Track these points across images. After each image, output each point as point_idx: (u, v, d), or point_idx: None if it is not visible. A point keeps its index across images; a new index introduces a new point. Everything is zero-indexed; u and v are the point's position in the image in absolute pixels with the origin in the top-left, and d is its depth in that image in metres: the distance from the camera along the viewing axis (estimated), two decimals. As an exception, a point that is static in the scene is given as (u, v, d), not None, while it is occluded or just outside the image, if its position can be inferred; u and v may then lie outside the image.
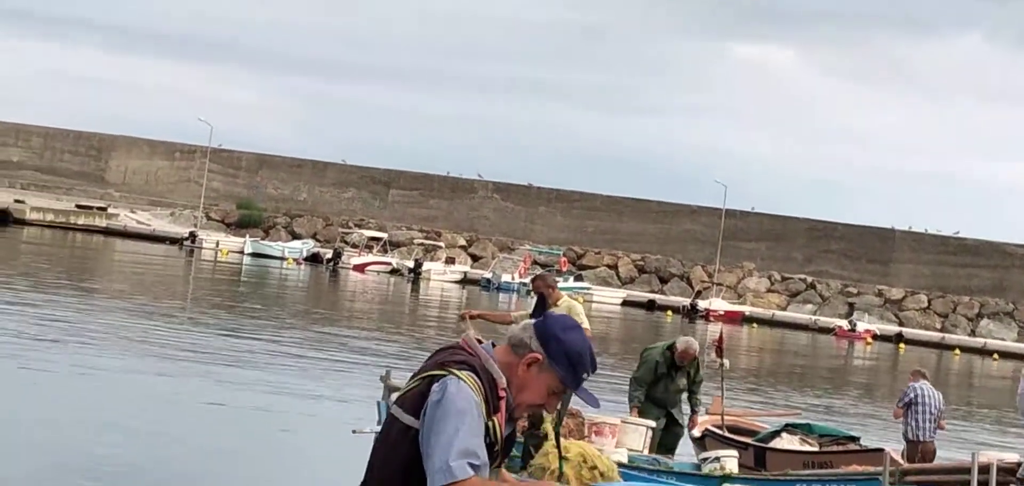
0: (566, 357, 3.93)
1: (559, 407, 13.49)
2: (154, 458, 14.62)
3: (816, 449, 16.17)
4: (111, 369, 21.56)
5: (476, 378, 3.84)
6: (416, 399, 3.85)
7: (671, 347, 15.78)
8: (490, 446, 3.86)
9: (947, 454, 17.80)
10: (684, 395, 15.91)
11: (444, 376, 3.83)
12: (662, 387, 15.60)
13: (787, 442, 16.19)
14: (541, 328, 3.98)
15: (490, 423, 3.84)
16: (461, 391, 3.78)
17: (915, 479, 12.61)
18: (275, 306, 44.38)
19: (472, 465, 3.71)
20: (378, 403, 11.18)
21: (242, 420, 18.22)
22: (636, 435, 14.80)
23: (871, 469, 13.81)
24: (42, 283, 39.80)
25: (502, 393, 3.91)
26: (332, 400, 21.11)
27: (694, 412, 16.08)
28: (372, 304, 53.90)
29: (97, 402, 18.22)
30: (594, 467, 12.53)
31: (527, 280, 17.24)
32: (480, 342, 4.01)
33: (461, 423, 3.73)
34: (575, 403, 13.88)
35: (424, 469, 3.75)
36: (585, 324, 14.25)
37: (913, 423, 16.80)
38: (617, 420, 15.60)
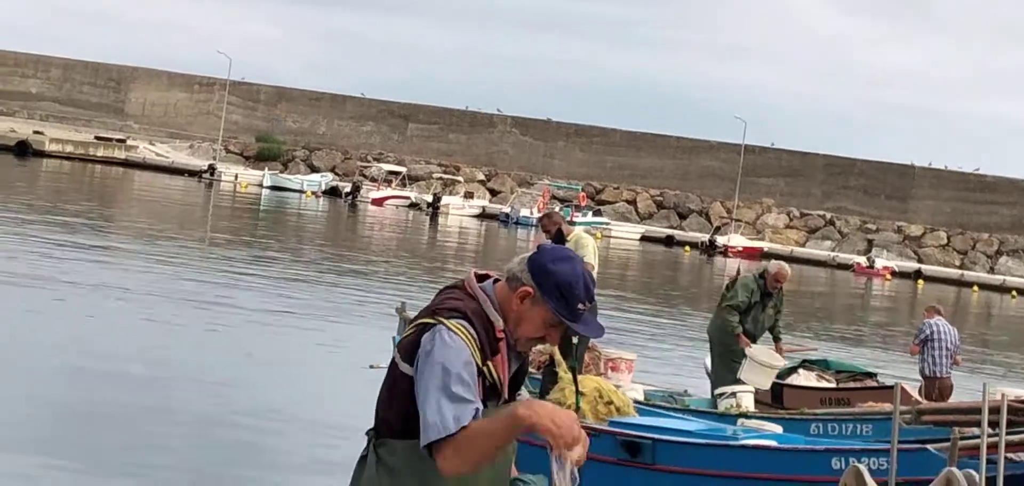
0: (557, 288, 3.87)
1: (577, 342, 13.50)
2: (167, 389, 14.69)
3: (833, 386, 16.16)
4: (128, 299, 21.62)
5: (467, 325, 3.81)
6: (410, 347, 3.84)
7: (763, 275, 15.52)
8: (491, 388, 3.84)
9: (965, 389, 17.80)
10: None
11: (434, 325, 3.81)
12: (752, 317, 15.30)
13: (804, 378, 16.18)
14: (533, 260, 3.94)
15: (486, 368, 3.82)
16: (449, 342, 3.76)
17: (931, 418, 12.61)
18: (293, 239, 44.45)
19: (464, 416, 3.68)
20: (393, 338, 11.20)
21: (258, 352, 18.28)
22: (763, 375, 14.58)
23: (886, 408, 13.80)
24: (62, 213, 39.88)
25: (500, 334, 3.87)
26: (350, 333, 21.16)
27: (777, 341, 15.58)
28: (390, 238, 53.92)
29: (112, 331, 18.30)
30: (610, 402, 12.54)
31: (540, 219, 17.23)
32: (487, 278, 3.98)
33: (449, 377, 3.71)
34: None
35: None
36: (592, 259, 14.19)
37: (929, 359, 16.79)
38: (633, 355, 15.59)
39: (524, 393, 4.13)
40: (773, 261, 15.81)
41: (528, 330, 3.91)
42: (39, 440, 11.68)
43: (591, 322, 3.98)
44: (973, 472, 2.77)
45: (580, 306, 3.89)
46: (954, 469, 2.79)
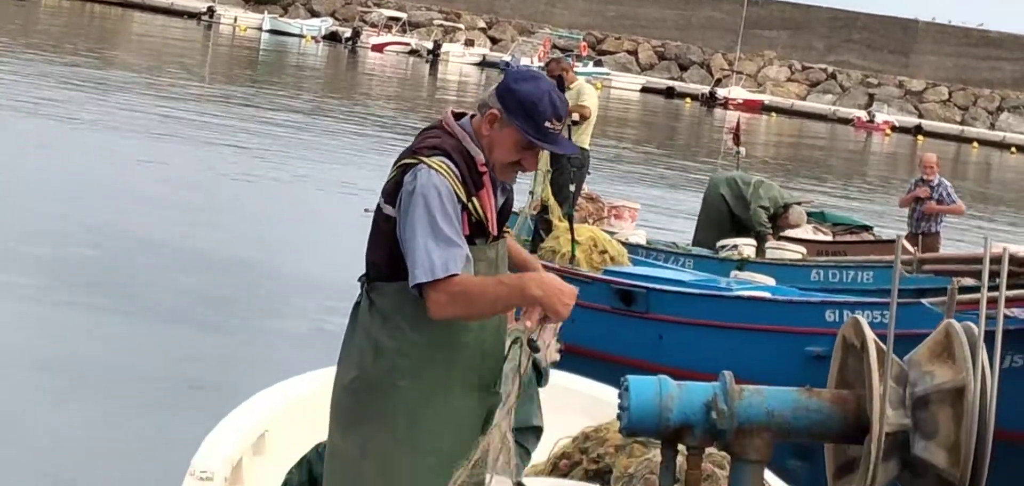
0: (521, 107, 3.84)
1: (573, 189, 13.44)
2: (163, 231, 14.67)
3: (830, 238, 16.14)
4: (126, 141, 21.56)
5: (448, 162, 3.79)
6: (393, 188, 3.82)
7: (786, 206, 15.16)
8: (478, 225, 3.83)
9: (964, 245, 17.76)
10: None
11: (415, 165, 3.79)
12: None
13: (801, 231, 16.16)
14: (499, 84, 3.93)
15: (470, 204, 3.80)
16: (430, 180, 3.74)
17: (932, 267, 12.60)
18: (292, 84, 44.22)
19: (453, 261, 3.68)
20: (387, 183, 11.15)
21: (251, 196, 18.26)
22: (792, 256, 14.46)
23: (887, 258, 13.79)
24: (61, 53, 39.63)
25: (482, 168, 3.86)
26: (346, 179, 21.11)
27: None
28: (390, 85, 53.67)
29: (109, 172, 18.25)
30: (604, 251, 12.54)
31: (545, 64, 17.19)
32: (464, 116, 3.95)
33: (433, 218, 3.70)
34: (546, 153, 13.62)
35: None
36: (593, 104, 14.07)
37: (917, 214, 16.59)
38: (637, 204, 15.56)
39: (533, 267, 4.08)
40: (794, 208, 15.29)
41: (501, 154, 3.88)
42: (37, 268, 11.69)
43: (562, 141, 3.95)
44: (972, 325, 2.70)
45: (547, 124, 3.85)
46: (953, 321, 2.71)
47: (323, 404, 3.99)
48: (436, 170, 3.76)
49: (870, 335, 2.69)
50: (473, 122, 3.92)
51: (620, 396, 2.70)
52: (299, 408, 6.09)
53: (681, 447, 2.72)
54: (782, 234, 15.08)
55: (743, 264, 13.53)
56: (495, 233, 3.91)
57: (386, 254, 3.82)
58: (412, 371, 3.81)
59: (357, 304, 3.94)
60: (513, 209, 4.19)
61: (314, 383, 6.18)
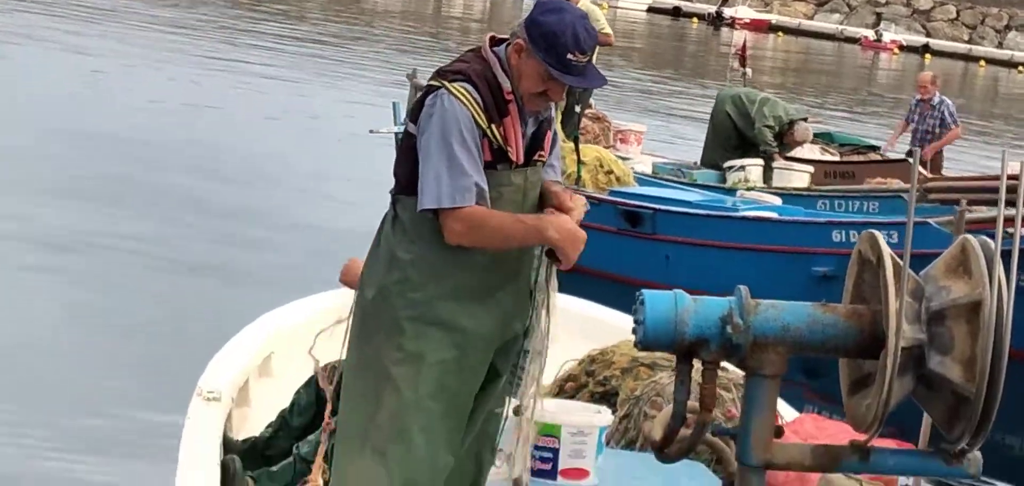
0: (543, 38, 3.84)
1: (578, 110, 13.39)
2: (164, 145, 14.68)
3: (837, 159, 16.07)
4: (122, 56, 21.52)
5: (469, 88, 3.82)
6: (417, 108, 3.89)
7: (791, 124, 14.98)
8: (499, 152, 3.85)
9: (970, 166, 17.71)
10: None
11: (438, 89, 3.83)
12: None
13: (809, 152, 16.10)
14: (529, 13, 3.94)
15: (491, 131, 3.82)
16: (450, 108, 3.77)
17: (938, 196, 12.55)
18: (294, 2, 44.02)
19: (460, 193, 3.73)
20: (393, 104, 11.10)
21: (255, 119, 18.22)
22: (800, 176, 14.37)
23: (893, 185, 13.76)
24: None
25: (508, 97, 3.88)
26: (353, 97, 21.05)
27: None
28: (394, 3, 53.42)
29: (110, 87, 18.22)
30: (610, 172, 12.52)
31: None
32: (502, 42, 3.97)
33: (449, 146, 3.74)
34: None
35: None
36: (604, 29, 13.98)
37: (920, 135, 16.44)
38: (643, 127, 15.50)
39: (551, 173, 4.07)
40: (800, 125, 15.02)
41: (528, 85, 3.89)
42: (40, 184, 11.73)
43: (587, 75, 3.95)
44: (988, 240, 2.67)
45: (570, 57, 3.84)
46: (969, 237, 2.68)
47: (328, 325, 4.00)
48: (456, 96, 3.80)
49: (886, 250, 2.67)
50: (508, 50, 3.93)
51: (635, 310, 2.68)
52: (305, 329, 6.10)
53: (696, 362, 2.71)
54: (789, 154, 15.02)
55: (750, 191, 13.49)
56: (520, 160, 3.92)
57: (409, 170, 3.88)
58: (422, 284, 3.85)
59: (385, 217, 4.01)
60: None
61: (319, 304, 6.19)
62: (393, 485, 3.81)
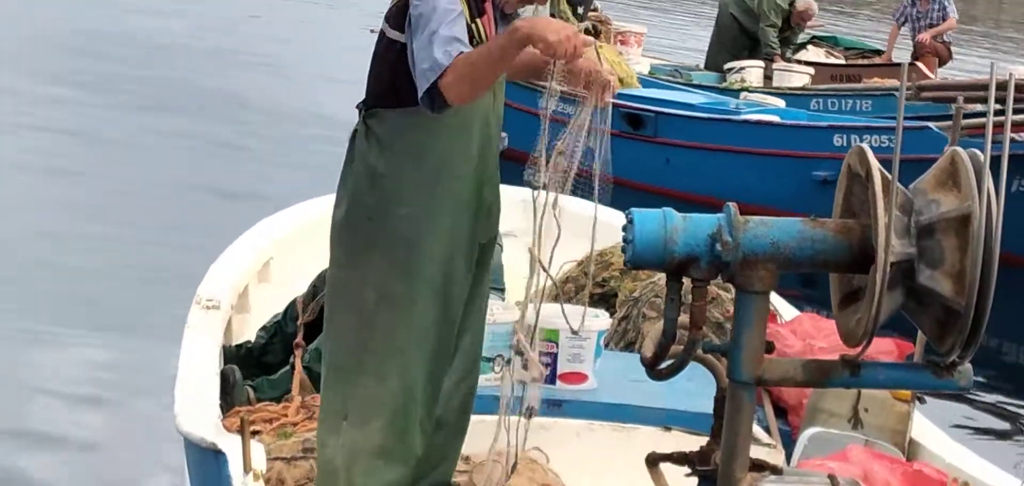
0: None
1: (581, 11, 13.29)
2: (161, 47, 14.64)
3: (842, 62, 16.01)
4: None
5: None
6: (399, 13, 3.76)
7: (791, 4, 14.81)
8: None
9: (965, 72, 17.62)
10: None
11: None
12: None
13: (813, 55, 16.04)
14: None
15: (474, 25, 3.75)
16: None
17: (931, 94, 12.52)
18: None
19: (454, 47, 3.61)
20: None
21: (250, 21, 18.13)
22: (799, 77, 14.24)
23: (886, 83, 13.73)
24: None
25: None
26: (348, 3, 20.92)
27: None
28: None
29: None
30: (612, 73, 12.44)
31: None
32: None
33: (440, 25, 3.62)
34: None
35: (412, 80, 3.69)
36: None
37: (916, 30, 16.28)
38: (643, 28, 15.38)
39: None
40: (801, 2, 14.91)
41: None
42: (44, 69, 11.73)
43: None
44: (977, 151, 2.65)
45: None
46: (958, 148, 2.67)
47: (326, 230, 3.98)
48: None
49: (875, 163, 2.65)
50: None
51: (624, 229, 2.67)
52: (302, 235, 6.11)
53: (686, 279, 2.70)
54: (799, 43, 14.94)
55: (744, 90, 13.44)
56: None
57: (389, 79, 3.78)
58: (410, 198, 3.79)
59: (355, 133, 3.89)
60: None
61: (317, 209, 6.19)
62: (394, 405, 3.80)
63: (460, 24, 3.66)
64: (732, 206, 2.68)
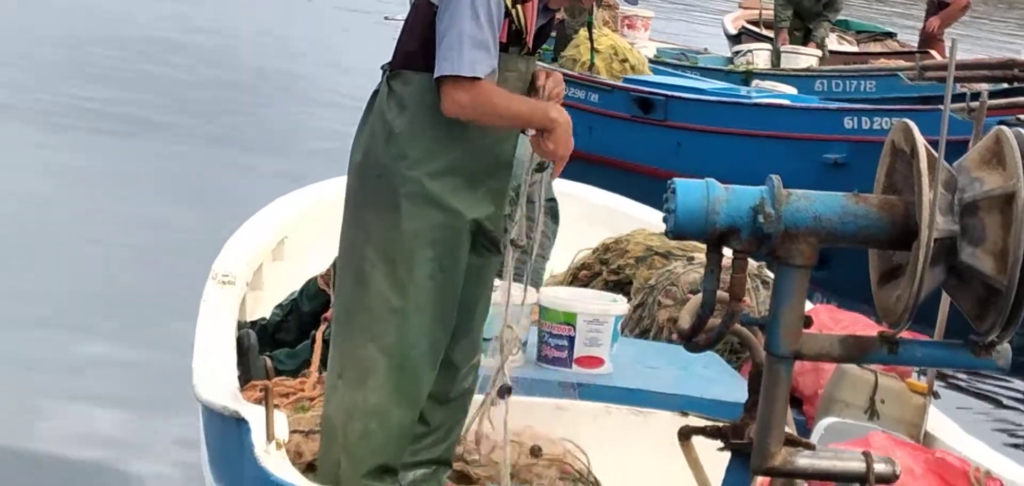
0: None
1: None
2: (177, 29, 14.62)
3: (855, 49, 15.98)
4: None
5: None
6: None
7: None
8: (516, 34, 3.77)
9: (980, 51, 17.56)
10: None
11: None
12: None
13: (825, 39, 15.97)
14: None
15: (515, 10, 3.73)
16: None
17: (934, 75, 12.51)
18: None
19: (480, 64, 3.62)
20: (411, -14, 11.01)
21: (267, 7, 18.11)
22: (806, 59, 14.14)
23: (891, 65, 13.71)
24: None
25: None
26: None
27: (820, 42, 14.56)
28: None
29: None
30: (625, 60, 12.45)
31: None
32: None
33: (476, 17, 3.62)
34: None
35: None
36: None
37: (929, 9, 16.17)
38: (651, 13, 15.36)
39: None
40: None
41: None
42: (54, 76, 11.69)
43: None
44: (1022, 130, 2.62)
45: None
46: (1004, 128, 2.64)
47: (341, 211, 3.96)
48: None
49: (920, 140, 2.62)
50: None
51: (666, 199, 2.65)
52: (317, 214, 6.10)
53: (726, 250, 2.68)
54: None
55: (748, 76, 13.41)
56: (530, 47, 3.85)
57: (420, 42, 3.76)
58: (421, 161, 3.78)
59: (375, 93, 3.89)
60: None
61: (332, 190, 6.16)
62: (389, 365, 3.79)
63: (495, 21, 3.66)
64: (775, 178, 2.66)
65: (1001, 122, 8.06)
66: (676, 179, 2.64)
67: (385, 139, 3.79)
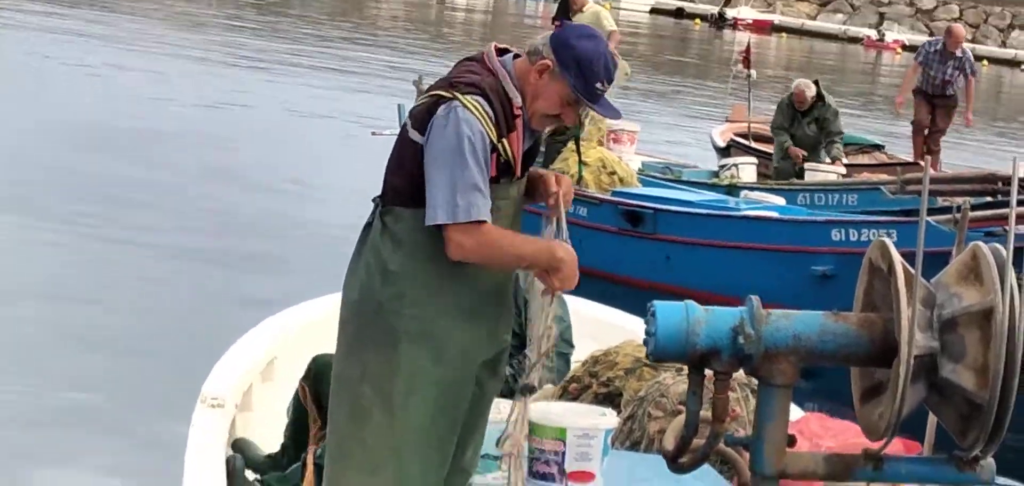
0: (577, 63, 3.81)
1: (581, 112, 13.34)
2: (161, 145, 14.69)
3: (845, 163, 16.04)
4: (132, 63, 21.52)
5: (483, 102, 3.75)
6: (423, 116, 3.78)
7: (790, 95, 14.88)
8: (506, 165, 3.80)
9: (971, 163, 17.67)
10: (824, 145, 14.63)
11: (450, 99, 3.74)
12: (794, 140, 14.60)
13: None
14: (556, 35, 3.89)
15: (500, 145, 3.77)
16: (465, 120, 3.70)
17: (915, 188, 12.57)
18: (297, 4, 44.01)
19: (476, 208, 3.67)
20: (399, 106, 11.08)
21: (254, 120, 18.21)
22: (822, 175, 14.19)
23: (872, 179, 13.79)
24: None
25: (517, 112, 3.82)
26: (353, 101, 21.04)
27: (833, 161, 14.47)
28: (397, 4, 53.42)
29: (114, 96, 18.21)
30: (613, 173, 12.49)
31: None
32: (506, 52, 3.90)
33: (463, 160, 3.67)
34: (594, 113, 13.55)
35: None
36: (612, 27, 13.94)
37: (938, 79, 16.32)
38: (636, 127, 15.45)
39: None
40: (798, 80, 15.12)
41: (544, 106, 3.85)
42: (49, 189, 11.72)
43: (607, 104, 3.94)
44: (999, 246, 2.65)
45: (598, 85, 3.84)
46: (980, 243, 2.66)
47: (330, 330, 3.97)
48: (471, 110, 3.72)
49: (897, 258, 2.65)
50: (516, 62, 3.88)
51: (647, 322, 2.66)
52: (307, 334, 6.09)
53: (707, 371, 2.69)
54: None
55: (733, 189, 13.47)
56: (519, 174, 3.89)
57: (408, 180, 3.79)
58: (419, 300, 3.79)
59: (368, 224, 3.90)
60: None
61: (321, 309, 6.18)
62: None
63: (481, 164, 3.70)
64: (754, 299, 2.68)
65: (988, 233, 8.15)
66: (656, 302, 2.65)
67: (382, 277, 3.80)
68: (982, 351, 2.62)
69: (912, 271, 2.62)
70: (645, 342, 2.66)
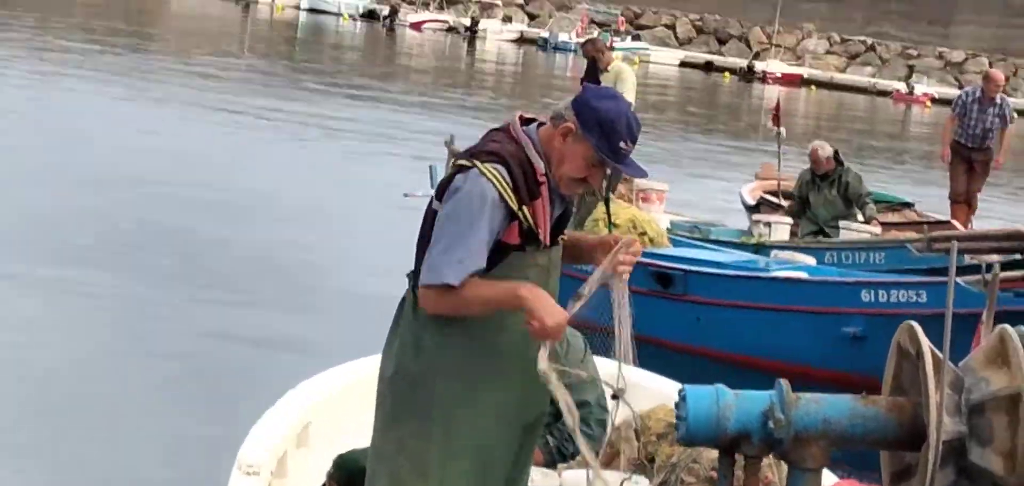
0: (599, 125, 3.84)
1: (609, 171, 13.39)
2: (190, 212, 14.74)
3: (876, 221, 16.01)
4: (160, 120, 21.64)
5: (502, 170, 3.79)
6: (445, 187, 3.86)
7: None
8: (529, 233, 3.82)
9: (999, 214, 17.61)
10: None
11: (470, 168, 3.79)
12: (812, 209, 14.50)
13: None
14: (577, 97, 3.93)
15: (521, 212, 3.79)
16: (478, 185, 3.75)
17: (942, 246, 12.54)
18: (330, 63, 44.27)
19: (454, 272, 3.71)
20: (430, 167, 11.13)
21: (290, 180, 18.28)
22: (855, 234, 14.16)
23: (900, 237, 13.76)
24: (98, 34, 39.78)
25: (541, 178, 3.85)
26: (386, 163, 21.10)
27: (868, 221, 14.38)
28: (428, 62, 53.67)
29: (140, 152, 18.33)
30: (644, 233, 12.49)
31: (581, 45, 17.07)
32: (533, 121, 3.94)
33: (467, 226, 3.72)
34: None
35: None
36: (632, 91, 14.00)
37: (978, 129, 16.33)
38: (665, 186, 15.46)
39: None
40: (812, 142, 15.02)
41: (569, 169, 3.88)
42: (66, 248, 11.78)
43: (632, 163, 3.96)
44: (1026, 329, 2.68)
45: (622, 144, 3.86)
46: (1007, 327, 2.70)
47: (364, 394, 4.01)
48: (487, 177, 3.77)
49: (925, 342, 2.68)
50: (541, 131, 3.92)
51: (677, 406, 2.70)
52: (341, 398, 6.11)
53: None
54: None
55: (759, 247, 13.46)
56: (547, 242, 3.90)
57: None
58: (452, 372, 3.83)
59: (403, 299, 3.95)
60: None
61: (356, 373, 6.19)
62: None
63: (485, 234, 3.74)
64: (784, 383, 2.71)
65: (1017, 294, 8.08)
66: (686, 387, 2.69)
67: (415, 351, 3.84)
68: (1010, 435, 2.64)
69: (940, 356, 2.66)
70: (676, 427, 2.69)
